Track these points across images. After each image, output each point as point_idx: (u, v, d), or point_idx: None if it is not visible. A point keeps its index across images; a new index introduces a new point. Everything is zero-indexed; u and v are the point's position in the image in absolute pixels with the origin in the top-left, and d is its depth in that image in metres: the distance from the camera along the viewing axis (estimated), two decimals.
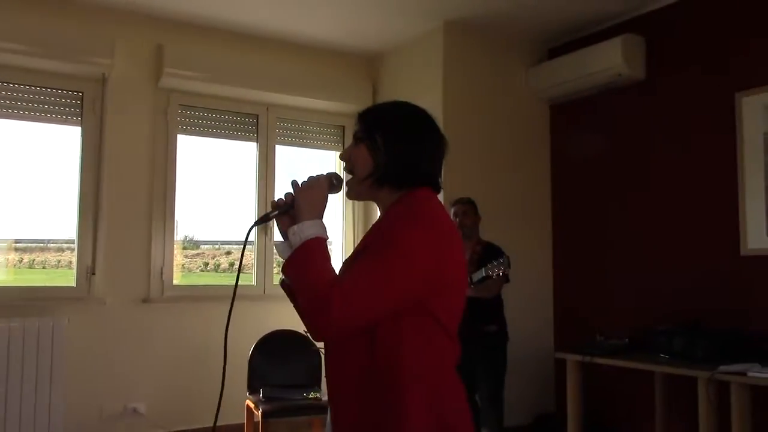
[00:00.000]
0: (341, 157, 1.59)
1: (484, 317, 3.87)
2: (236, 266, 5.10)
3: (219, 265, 5.20)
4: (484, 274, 3.58)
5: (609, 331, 4.00)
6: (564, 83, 4.76)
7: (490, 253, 3.85)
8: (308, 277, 1.35)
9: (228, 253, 5.23)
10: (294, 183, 1.51)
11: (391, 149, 1.50)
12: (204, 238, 5.11)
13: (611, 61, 4.39)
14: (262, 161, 5.05)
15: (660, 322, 3.83)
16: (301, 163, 5.27)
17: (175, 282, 4.68)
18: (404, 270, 1.36)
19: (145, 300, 4.51)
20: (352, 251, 1.57)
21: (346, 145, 1.67)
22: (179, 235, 4.77)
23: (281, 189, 5.05)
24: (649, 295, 4.32)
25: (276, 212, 1.51)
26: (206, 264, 5.16)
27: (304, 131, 5.28)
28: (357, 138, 1.55)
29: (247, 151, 5.08)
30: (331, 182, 1.53)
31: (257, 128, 5.05)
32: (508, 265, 3.57)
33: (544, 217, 5.08)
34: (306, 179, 1.51)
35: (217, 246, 5.25)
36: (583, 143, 4.89)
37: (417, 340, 1.40)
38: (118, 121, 4.51)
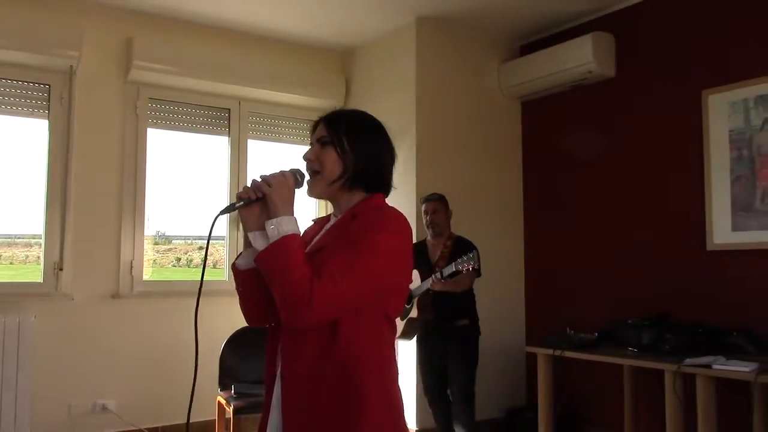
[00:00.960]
0: (306, 158, 1.64)
1: (456, 311, 3.89)
2: (209, 261, 5.05)
3: (191, 260, 5.15)
4: (454, 269, 3.59)
5: (579, 325, 4.04)
6: (535, 80, 4.78)
7: (461, 247, 3.86)
8: (288, 270, 1.42)
9: (200, 248, 5.17)
10: (263, 177, 1.57)
11: (361, 154, 1.61)
12: (176, 232, 5.06)
13: (582, 58, 4.42)
14: (234, 155, 5.01)
15: (629, 316, 3.86)
16: (273, 157, 5.24)
17: (146, 277, 4.62)
18: (381, 272, 1.49)
19: (115, 296, 4.45)
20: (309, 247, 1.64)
21: None
22: (150, 230, 4.71)
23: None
24: (619, 290, 4.38)
25: (241, 203, 1.55)
26: (178, 259, 5.10)
27: (276, 125, 5.25)
28: (324, 141, 1.62)
29: (219, 145, 5.04)
30: (295, 178, 1.59)
31: (229, 122, 5.01)
32: (478, 260, 3.58)
33: (515, 212, 5.11)
34: (275, 173, 1.57)
35: (189, 241, 5.20)
36: (554, 139, 4.93)
37: (373, 331, 1.53)
38: (86, 114, 4.43)
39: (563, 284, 4.79)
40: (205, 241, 5.17)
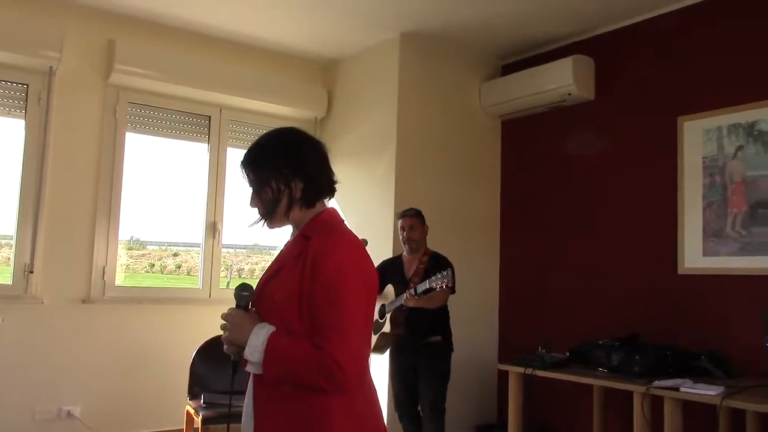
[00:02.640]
0: (252, 206, 1.71)
1: (428, 328, 3.88)
2: (183, 268, 5.02)
3: (165, 267, 5.11)
4: (427, 286, 3.58)
5: (551, 344, 4.06)
6: (516, 99, 4.82)
7: (436, 264, 3.86)
8: (295, 369, 1.50)
9: (175, 254, 5.15)
10: (223, 319, 1.65)
11: (282, 181, 1.64)
12: (150, 238, 5.01)
13: (562, 80, 4.47)
14: (213, 163, 4.99)
15: (600, 337, 3.90)
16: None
17: (118, 283, 4.56)
18: (359, 299, 1.54)
19: (85, 300, 4.38)
20: (268, 269, 1.73)
21: None
22: (125, 234, 4.67)
23: (231, 192, 4.99)
24: (591, 310, 4.41)
25: (238, 359, 1.63)
26: (152, 265, 5.06)
27: (257, 135, 5.09)
28: (251, 187, 1.69)
29: (198, 152, 5.01)
30: (241, 298, 1.65)
31: (209, 129, 4.99)
32: (453, 278, 3.58)
33: (492, 230, 5.13)
34: (225, 315, 1.64)
35: (164, 247, 5.15)
36: (532, 159, 4.97)
37: None
38: (64, 115, 4.38)
39: (537, 303, 4.81)
40: (180, 248, 5.13)
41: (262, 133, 1.75)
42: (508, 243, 5.10)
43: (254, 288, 1.69)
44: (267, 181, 1.65)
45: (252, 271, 5.34)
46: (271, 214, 1.67)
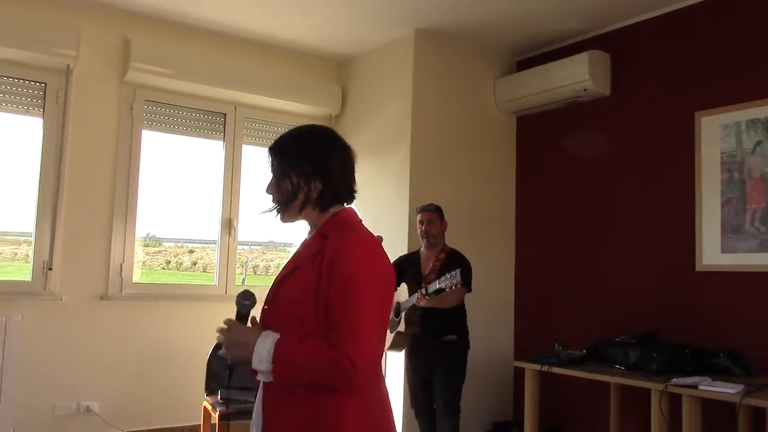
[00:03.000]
0: (267, 192, 1.72)
1: (443, 327, 3.86)
2: (199, 265, 5.05)
3: (181, 264, 5.12)
4: (438, 286, 3.56)
5: (568, 341, 4.04)
6: (531, 95, 4.79)
7: (452, 262, 3.84)
8: (306, 370, 1.50)
9: (191, 251, 5.16)
10: (220, 342, 1.65)
11: (304, 177, 1.65)
12: (167, 235, 5.02)
13: (578, 75, 4.44)
14: (229, 160, 5.00)
15: (617, 334, 3.85)
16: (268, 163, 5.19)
17: (135, 279, 4.59)
18: (375, 298, 1.54)
19: (103, 297, 4.41)
20: (284, 267, 1.72)
21: None
22: (141, 231, 4.68)
23: (247, 189, 5.01)
24: (608, 307, 4.38)
25: (221, 351, 1.65)
26: (168, 262, 5.06)
27: (272, 132, 5.21)
28: (273, 174, 1.70)
29: (213, 150, 5.03)
30: (242, 306, 1.67)
31: (224, 127, 5.00)
32: (462, 278, 3.51)
33: (507, 227, 5.10)
34: (227, 336, 1.62)
35: (180, 244, 5.17)
36: (548, 155, 4.94)
37: None
38: (81, 113, 4.41)
39: (553, 300, 4.78)
40: (196, 245, 5.14)
41: (297, 126, 1.78)
42: (524, 240, 5.08)
43: (256, 296, 1.71)
44: (289, 173, 1.66)
45: (267, 268, 5.33)
46: (285, 207, 1.68)
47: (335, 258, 1.54)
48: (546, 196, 4.94)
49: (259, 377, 1.60)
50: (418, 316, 3.80)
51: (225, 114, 5.00)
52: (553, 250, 4.84)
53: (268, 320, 1.62)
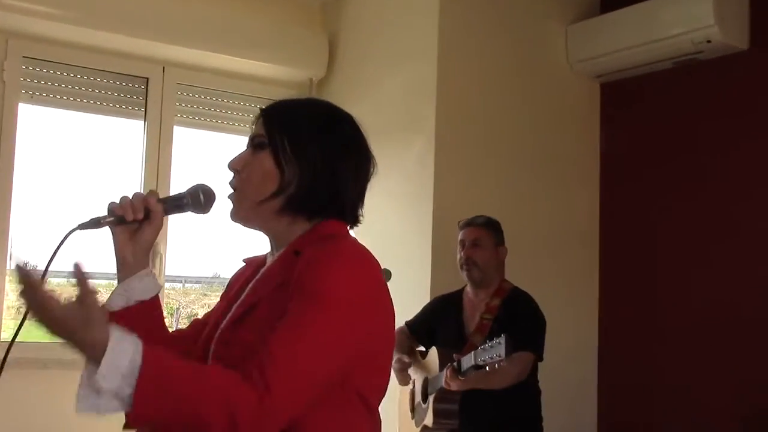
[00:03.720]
0: (231, 166, 1.76)
1: (498, 417, 3.70)
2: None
3: None
4: (473, 362, 3.37)
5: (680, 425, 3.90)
6: (622, 51, 4.76)
7: (510, 313, 3.72)
8: (190, 394, 1.46)
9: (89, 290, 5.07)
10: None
11: (308, 163, 1.71)
12: (53, 267, 4.88)
13: (697, 20, 4.38)
14: (152, 149, 4.95)
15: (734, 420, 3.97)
16: (212, 154, 5.21)
17: (5, 336, 4.53)
18: (342, 333, 1.57)
19: None
20: (232, 302, 1.79)
21: None
22: (11, 258, 4.65)
23: (178, 189, 4.90)
24: (745, 371, 4.30)
25: (111, 218, 1.71)
26: None
27: (219, 106, 5.24)
28: (257, 143, 1.74)
29: (129, 133, 5.03)
30: (196, 200, 1.78)
31: (146, 98, 4.98)
32: (511, 350, 3.26)
33: (587, 249, 5.08)
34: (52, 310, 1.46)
35: (68, 277, 5.04)
36: (648, 140, 4.91)
37: (346, 428, 1.65)
38: None
39: (659, 371, 4.69)
40: (97, 280, 5.00)
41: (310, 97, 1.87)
42: (612, 267, 5.04)
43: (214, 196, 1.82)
44: (290, 154, 1.71)
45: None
46: (258, 198, 1.71)
47: (303, 272, 1.60)
48: (648, 205, 4.85)
49: (98, 403, 1.46)
50: (457, 401, 3.61)
51: (147, 79, 4.99)
52: (659, 289, 4.79)
53: None
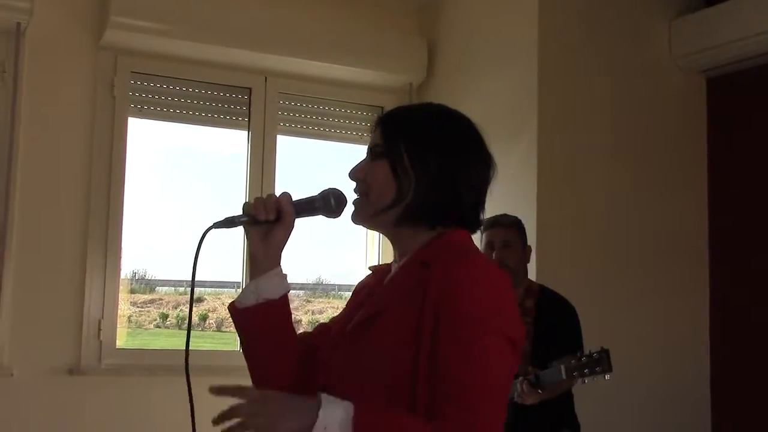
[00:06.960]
0: (351, 176, 1.80)
1: (548, 423, 3.63)
2: (211, 321, 5.01)
3: (183, 319, 5.18)
4: (564, 376, 3.34)
5: None
6: (732, 43, 4.68)
7: (551, 307, 3.71)
8: None
9: (199, 299, 5.22)
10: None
11: (425, 171, 1.72)
12: (162, 275, 5.15)
13: None
14: (256, 159, 4.99)
15: None
16: (317, 163, 5.24)
17: (119, 344, 4.61)
18: (503, 353, 1.61)
19: (73, 371, 4.43)
20: (358, 309, 1.80)
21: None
22: (127, 270, 4.83)
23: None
24: None
25: (245, 218, 1.75)
26: (165, 316, 5.18)
27: (320, 114, 5.26)
28: (376, 152, 1.76)
29: (233, 144, 5.12)
30: (328, 204, 1.80)
31: (249, 109, 5.03)
32: (608, 368, 3.28)
33: (695, 262, 4.95)
34: (267, 406, 1.56)
35: (181, 288, 5.19)
36: (761, 136, 4.78)
37: None
38: (38, 94, 4.47)
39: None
40: (207, 290, 5.21)
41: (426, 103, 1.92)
42: (724, 283, 4.88)
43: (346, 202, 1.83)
44: (418, 160, 1.72)
45: (314, 323, 5.41)
46: (381, 205, 1.74)
47: (447, 292, 1.59)
48: (763, 212, 4.73)
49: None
50: (511, 417, 3.52)
51: (250, 89, 5.04)
52: None
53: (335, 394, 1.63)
